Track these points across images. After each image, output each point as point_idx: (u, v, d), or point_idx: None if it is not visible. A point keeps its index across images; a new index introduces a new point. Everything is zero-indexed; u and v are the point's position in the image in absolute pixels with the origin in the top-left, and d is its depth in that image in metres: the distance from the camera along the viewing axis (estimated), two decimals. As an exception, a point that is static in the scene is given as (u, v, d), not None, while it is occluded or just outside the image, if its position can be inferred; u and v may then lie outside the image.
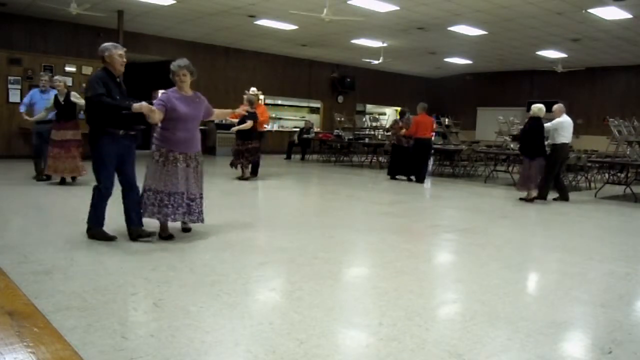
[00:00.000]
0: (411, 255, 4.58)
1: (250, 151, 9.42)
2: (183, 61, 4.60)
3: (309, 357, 2.44)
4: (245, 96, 9.61)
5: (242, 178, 9.50)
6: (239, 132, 9.34)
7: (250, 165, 9.61)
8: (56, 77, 7.91)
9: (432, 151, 13.11)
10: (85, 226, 4.59)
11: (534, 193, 8.12)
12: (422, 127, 10.46)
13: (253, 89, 10.48)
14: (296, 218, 6.48)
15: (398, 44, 14.73)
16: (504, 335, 2.82)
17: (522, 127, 8.59)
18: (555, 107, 8.35)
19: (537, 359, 2.53)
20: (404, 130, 10.68)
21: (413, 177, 10.57)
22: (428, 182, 10.74)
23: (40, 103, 8.05)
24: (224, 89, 16.36)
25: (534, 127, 7.98)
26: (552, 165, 8.17)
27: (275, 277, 3.85)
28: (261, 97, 10.42)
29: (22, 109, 8.18)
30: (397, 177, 10.82)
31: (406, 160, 10.70)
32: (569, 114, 8.44)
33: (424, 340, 2.69)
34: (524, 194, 8.29)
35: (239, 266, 3.94)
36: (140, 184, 4.65)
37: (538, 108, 8.04)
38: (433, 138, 14.82)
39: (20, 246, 4.18)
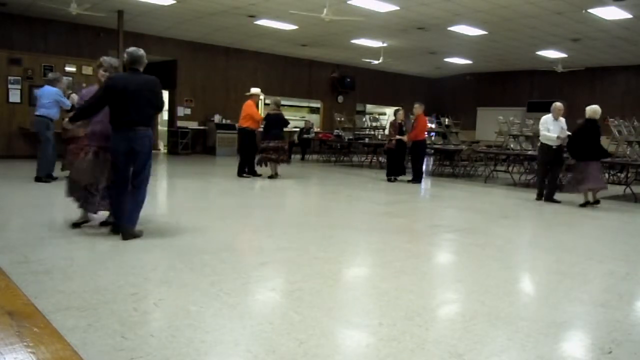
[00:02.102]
0: (411, 255, 4.57)
1: (277, 150, 9.95)
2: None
3: (309, 357, 2.44)
4: (269, 100, 9.96)
5: (271, 176, 9.93)
6: (265, 132, 9.91)
7: (276, 164, 10.06)
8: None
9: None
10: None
11: (590, 197, 7.98)
12: (424, 128, 10.50)
13: (256, 90, 10.46)
14: (296, 218, 6.48)
15: (398, 44, 14.73)
16: (504, 335, 2.82)
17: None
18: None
19: (537, 359, 2.54)
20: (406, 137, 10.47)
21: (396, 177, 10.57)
22: (428, 182, 10.73)
23: (45, 97, 8.10)
24: (224, 89, 16.37)
25: (590, 129, 7.81)
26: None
27: (275, 277, 3.85)
28: (253, 91, 10.46)
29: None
30: (397, 178, 10.64)
31: (401, 161, 10.70)
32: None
33: (424, 340, 2.69)
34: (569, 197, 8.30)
35: (239, 266, 3.94)
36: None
37: (594, 110, 7.81)
38: (433, 138, 14.90)
39: (20, 246, 4.18)
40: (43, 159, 8.01)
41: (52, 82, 8.09)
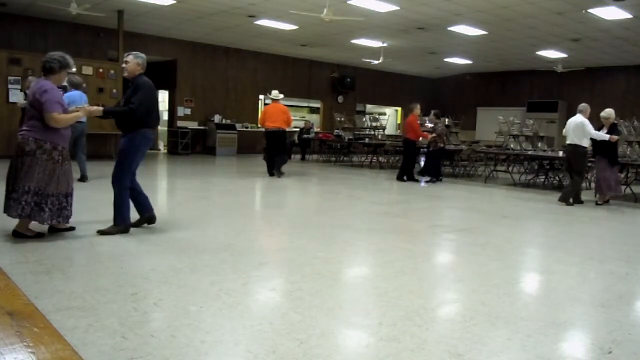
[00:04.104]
0: (411, 255, 4.57)
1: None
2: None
3: (309, 357, 2.44)
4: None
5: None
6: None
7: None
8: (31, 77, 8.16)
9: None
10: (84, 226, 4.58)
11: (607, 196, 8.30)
12: None
13: (275, 92, 10.55)
14: (296, 218, 6.48)
15: (398, 44, 14.73)
16: (504, 335, 2.82)
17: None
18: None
19: (537, 359, 2.54)
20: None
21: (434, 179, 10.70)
22: (428, 182, 10.72)
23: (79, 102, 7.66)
24: (224, 89, 16.38)
25: (616, 133, 8.11)
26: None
27: (275, 277, 3.85)
28: (280, 96, 10.57)
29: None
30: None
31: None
32: (570, 114, 8.42)
33: (424, 340, 2.69)
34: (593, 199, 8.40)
35: (239, 266, 3.94)
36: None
37: (611, 113, 8.16)
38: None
39: (20, 246, 4.18)
40: (83, 163, 8.16)
41: (79, 87, 7.98)
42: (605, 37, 12.63)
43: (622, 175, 10.17)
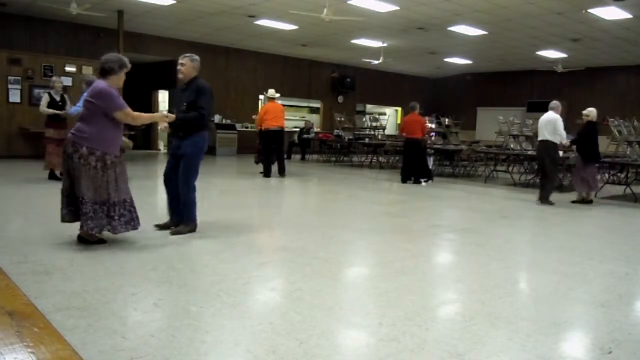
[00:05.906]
0: (411, 255, 4.57)
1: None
2: None
3: (309, 357, 2.44)
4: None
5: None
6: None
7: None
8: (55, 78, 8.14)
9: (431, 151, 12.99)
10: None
11: (590, 195, 8.36)
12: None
13: (272, 90, 10.56)
14: (296, 218, 6.48)
15: (398, 44, 14.74)
16: (504, 335, 2.82)
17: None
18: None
19: (537, 359, 2.54)
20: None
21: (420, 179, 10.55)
22: (427, 182, 10.71)
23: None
24: (224, 89, 16.37)
25: (591, 131, 8.15)
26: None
27: (275, 277, 3.85)
28: (277, 95, 10.58)
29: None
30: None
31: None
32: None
33: (424, 340, 2.69)
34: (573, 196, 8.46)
35: (239, 266, 3.94)
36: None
37: (595, 113, 8.21)
38: (433, 138, 14.79)
39: (20, 246, 4.18)
40: None
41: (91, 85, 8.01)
42: (605, 37, 12.63)
43: (622, 175, 10.18)
